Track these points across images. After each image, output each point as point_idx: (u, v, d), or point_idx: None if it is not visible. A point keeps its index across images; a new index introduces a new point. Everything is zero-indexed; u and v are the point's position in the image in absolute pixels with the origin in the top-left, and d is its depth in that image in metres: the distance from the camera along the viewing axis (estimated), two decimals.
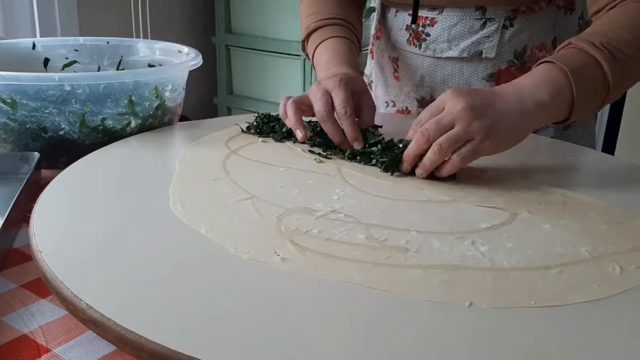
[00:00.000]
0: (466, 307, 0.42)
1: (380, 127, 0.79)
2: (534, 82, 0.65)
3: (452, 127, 0.62)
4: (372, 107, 0.78)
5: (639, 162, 0.75)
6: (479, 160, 0.65)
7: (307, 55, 0.96)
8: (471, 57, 0.88)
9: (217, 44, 2.20)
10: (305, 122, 0.81)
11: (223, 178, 0.65)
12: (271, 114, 0.85)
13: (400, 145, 0.68)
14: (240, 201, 0.58)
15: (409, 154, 0.65)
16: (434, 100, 0.92)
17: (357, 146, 0.71)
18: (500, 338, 0.39)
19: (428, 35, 0.90)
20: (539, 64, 0.67)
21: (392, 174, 0.67)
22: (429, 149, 0.63)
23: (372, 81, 1.08)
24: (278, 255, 0.48)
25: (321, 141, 0.77)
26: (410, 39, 0.93)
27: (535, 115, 0.64)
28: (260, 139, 0.79)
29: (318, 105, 0.73)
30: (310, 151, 0.75)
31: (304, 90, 2.03)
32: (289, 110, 0.75)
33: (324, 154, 0.75)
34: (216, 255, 0.48)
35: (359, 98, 0.76)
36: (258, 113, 0.84)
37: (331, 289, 0.44)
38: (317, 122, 0.80)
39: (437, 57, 0.91)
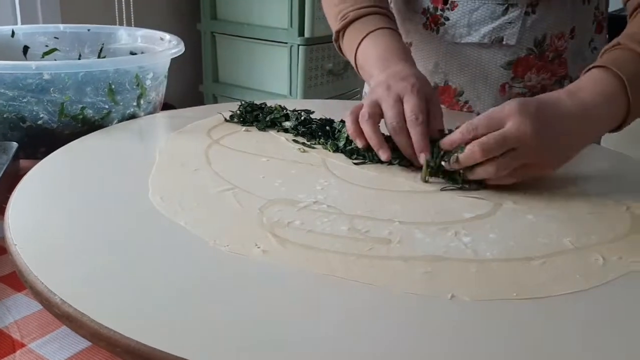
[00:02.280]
0: (448, 299, 0.42)
1: (447, 132, 0.66)
2: (595, 98, 0.61)
3: (514, 149, 0.58)
4: (441, 115, 0.68)
5: (625, 151, 0.75)
6: None
7: (341, 49, 0.86)
8: (492, 43, 0.85)
9: (202, 30, 2.17)
10: (289, 111, 0.80)
11: (204, 168, 0.64)
12: (255, 102, 0.83)
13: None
14: (221, 192, 0.58)
15: (462, 164, 0.60)
16: (450, 87, 0.91)
17: (422, 160, 0.63)
18: (482, 330, 0.39)
19: (447, 19, 0.87)
20: (590, 69, 0.64)
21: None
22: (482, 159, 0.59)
23: None
24: (259, 247, 0.47)
25: (305, 130, 0.76)
26: (428, 23, 0.89)
27: (597, 133, 0.63)
28: (244, 128, 0.78)
29: (390, 115, 0.65)
30: (295, 141, 0.74)
31: (290, 78, 2.01)
32: (367, 127, 0.66)
33: (308, 143, 0.74)
34: (195, 248, 0.47)
35: (427, 104, 0.67)
36: (241, 102, 0.82)
37: (313, 281, 0.44)
38: (301, 111, 0.80)
39: (455, 43, 0.88)
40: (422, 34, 0.91)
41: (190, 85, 2.34)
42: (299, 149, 0.72)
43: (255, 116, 0.80)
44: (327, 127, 0.75)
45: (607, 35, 0.91)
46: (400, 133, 0.64)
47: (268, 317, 0.39)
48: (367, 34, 0.79)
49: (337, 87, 2.17)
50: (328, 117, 0.78)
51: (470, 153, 0.59)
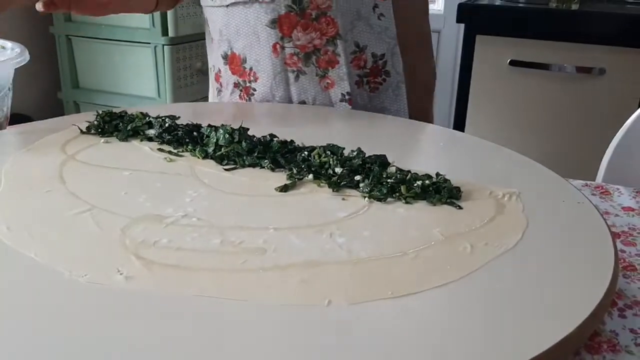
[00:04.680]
0: (325, 306, 0.41)
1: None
2: None
3: None
4: None
5: (487, 137, 0.79)
6: None
7: None
8: (250, 1, 0.86)
9: (56, 34, 2.02)
10: (152, 118, 0.75)
11: (57, 189, 0.58)
12: (114, 111, 0.78)
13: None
14: (77, 214, 0.52)
15: None
16: (235, 54, 0.93)
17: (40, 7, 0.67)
18: (359, 335, 0.38)
19: None
20: None
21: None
22: None
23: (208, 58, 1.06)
24: (121, 273, 0.43)
25: (171, 138, 0.72)
26: None
27: None
28: (103, 140, 0.73)
29: None
30: (160, 149, 0.70)
31: (157, 79, 1.93)
32: None
33: (175, 151, 0.70)
34: (48, 283, 0.43)
35: None
36: (97, 112, 0.76)
37: (183, 305, 0.41)
38: (165, 117, 0.75)
39: (226, 6, 0.90)
40: (207, 4, 0.94)
41: (48, 93, 2.16)
42: (165, 158, 0.68)
43: (115, 126, 0.75)
44: (195, 133, 0.72)
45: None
46: None
47: (133, 351, 0.36)
48: None
49: (209, 86, 2.11)
50: (195, 122, 0.75)
51: None
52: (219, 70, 0.98)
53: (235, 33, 0.91)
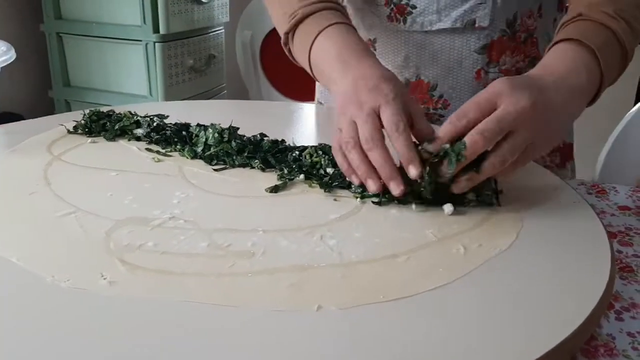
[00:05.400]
0: (315, 312, 0.39)
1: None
2: (573, 68, 0.59)
3: (513, 132, 0.53)
4: (422, 114, 0.59)
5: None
6: None
7: (291, 52, 0.74)
8: (464, 27, 0.80)
9: (46, 32, 1.99)
10: (140, 117, 0.74)
11: (42, 191, 0.57)
12: (101, 110, 0.76)
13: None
14: (61, 217, 0.51)
15: (468, 158, 0.53)
16: (422, 82, 0.84)
17: (413, 172, 0.53)
18: (350, 340, 0.37)
19: (414, 7, 0.80)
20: (556, 43, 0.62)
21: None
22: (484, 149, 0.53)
23: None
24: (105, 278, 0.42)
25: (159, 137, 0.70)
26: (392, 14, 0.82)
27: (580, 104, 0.60)
28: (90, 140, 0.71)
29: (365, 130, 0.55)
30: (148, 149, 0.69)
31: (148, 77, 1.91)
32: (355, 156, 0.56)
33: (163, 151, 0.68)
34: (30, 288, 0.41)
35: (405, 107, 0.57)
36: (84, 111, 0.75)
37: (168, 311, 0.39)
38: (153, 116, 0.74)
39: (425, 32, 0.81)
40: (388, 27, 0.84)
41: (39, 92, 2.14)
42: (153, 158, 0.66)
43: (103, 125, 0.73)
44: (184, 132, 0.70)
45: None
46: (375, 148, 0.54)
47: (119, 359, 0.34)
48: (321, 31, 0.68)
49: (201, 84, 2.09)
50: (184, 122, 0.73)
51: (472, 143, 0.52)
52: None
53: (430, 60, 0.83)
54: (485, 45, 0.81)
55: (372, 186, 0.55)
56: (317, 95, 0.98)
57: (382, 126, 0.56)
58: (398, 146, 0.54)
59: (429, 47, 0.82)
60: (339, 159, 0.58)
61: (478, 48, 0.81)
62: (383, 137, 0.55)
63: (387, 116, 0.55)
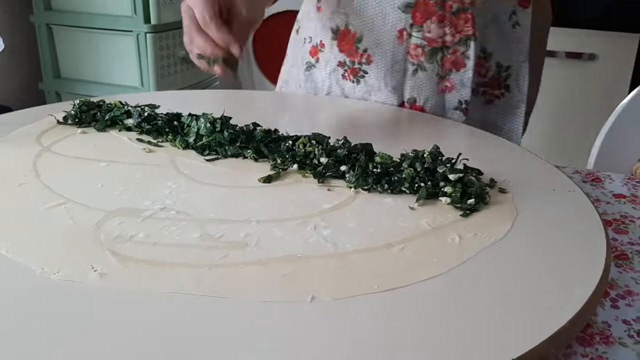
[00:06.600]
0: (308, 303, 0.39)
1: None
2: None
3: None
4: (247, 21, 0.65)
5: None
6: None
7: None
8: None
9: (36, 23, 1.97)
10: (131, 107, 0.73)
11: (31, 182, 0.56)
12: (91, 99, 0.75)
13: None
14: (51, 208, 0.50)
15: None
16: (349, 31, 0.84)
17: (235, 50, 0.61)
18: (344, 331, 0.36)
19: None
20: None
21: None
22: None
23: (300, 26, 0.95)
24: (95, 270, 0.41)
25: (150, 128, 0.69)
26: None
27: None
28: (80, 130, 0.70)
29: (185, 22, 0.64)
30: (139, 140, 0.68)
31: (140, 68, 1.89)
32: (212, 27, 0.62)
33: (155, 141, 0.68)
34: (18, 280, 0.41)
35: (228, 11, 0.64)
36: (74, 101, 0.74)
37: (160, 303, 0.39)
38: (144, 106, 0.73)
39: None
40: None
41: (29, 84, 2.12)
42: (144, 148, 0.65)
43: (93, 115, 0.72)
44: (175, 122, 0.69)
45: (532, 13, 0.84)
46: (196, 34, 0.62)
47: (107, 351, 0.34)
48: None
49: (193, 75, 2.08)
50: (175, 112, 0.72)
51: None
52: (319, 44, 0.88)
53: (359, 8, 0.81)
54: (410, 4, 0.79)
55: (208, 49, 0.62)
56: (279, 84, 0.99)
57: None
58: (212, 34, 0.62)
59: None
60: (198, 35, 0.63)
61: (402, 5, 0.79)
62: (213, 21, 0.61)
63: (197, 12, 0.62)
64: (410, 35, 0.80)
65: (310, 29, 0.90)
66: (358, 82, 0.85)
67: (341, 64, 0.86)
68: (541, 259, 0.45)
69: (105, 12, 1.87)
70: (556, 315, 0.38)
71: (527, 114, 0.89)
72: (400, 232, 0.48)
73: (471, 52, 0.80)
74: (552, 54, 1.61)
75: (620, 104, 0.97)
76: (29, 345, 0.34)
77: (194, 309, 0.38)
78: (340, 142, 0.62)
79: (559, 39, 1.60)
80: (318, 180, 0.58)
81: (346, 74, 0.86)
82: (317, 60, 0.88)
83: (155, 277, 0.41)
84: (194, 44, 0.63)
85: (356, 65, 0.84)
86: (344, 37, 0.84)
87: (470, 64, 0.80)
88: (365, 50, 0.83)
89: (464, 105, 0.82)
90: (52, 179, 0.56)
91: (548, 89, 1.65)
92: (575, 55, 1.58)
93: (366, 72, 0.84)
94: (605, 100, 1.43)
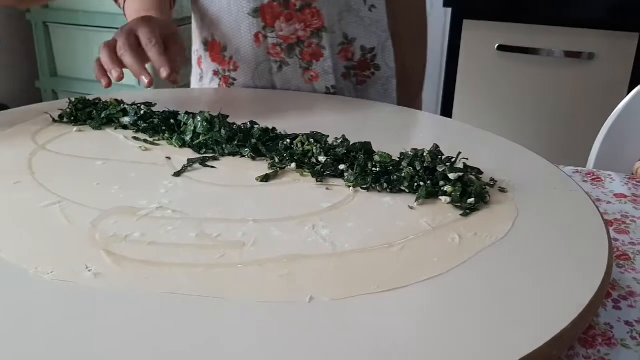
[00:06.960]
0: (307, 303, 0.38)
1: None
2: None
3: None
4: (183, 48, 0.75)
5: (475, 123, 0.76)
6: None
7: (118, 4, 0.91)
8: None
9: (32, 21, 1.96)
10: (127, 105, 0.72)
11: (26, 180, 0.55)
12: (87, 98, 0.75)
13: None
14: (45, 207, 0.50)
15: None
16: (216, 42, 0.90)
17: (164, 73, 0.69)
18: (343, 332, 0.36)
19: None
20: None
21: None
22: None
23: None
24: (89, 270, 0.41)
25: (147, 126, 0.69)
26: None
27: None
28: (75, 129, 0.69)
29: (120, 41, 0.70)
30: (135, 138, 0.67)
31: None
32: (104, 54, 0.70)
33: (151, 140, 0.67)
34: (12, 280, 0.40)
35: (167, 39, 0.73)
36: (69, 99, 0.73)
37: (155, 303, 0.38)
38: (140, 104, 0.72)
39: None
40: None
41: (26, 82, 2.11)
42: (140, 147, 0.65)
43: (89, 113, 0.72)
44: (172, 120, 0.69)
45: None
46: (125, 52, 0.69)
47: (103, 353, 0.33)
48: None
49: (189, 74, 2.07)
50: (172, 110, 0.72)
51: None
52: (200, 57, 0.96)
53: (216, 20, 0.87)
54: (257, 9, 0.83)
55: (114, 74, 0.69)
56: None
57: (139, 43, 0.71)
58: (151, 55, 0.70)
59: (212, 7, 0.88)
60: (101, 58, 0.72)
61: (250, 11, 0.84)
62: (135, 48, 0.70)
63: (143, 33, 0.71)
64: (265, 37, 0.85)
65: (196, 44, 0.98)
66: (230, 88, 0.92)
67: (216, 73, 0.93)
68: (542, 259, 0.45)
69: (102, 10, 1.86)
70: (558, 316, 0.37)
71: (421, 83, 0.98)
72: (400, 232, 0.48)
73: (325, 43, 0.84)
74: (550, 53, 1.61)
75: (620, 103, 0.97)
76: (21, 346, 0.34)
77: (191, 310, 0.37)
78: (339, 141, 0.62)
79: (558, 38, 1.60)
80: (316, 180, 0.57)
81: (221, 83, 0.93)
82: (202, 71, 0.96)
83: (151, 277, 0.40)
84: (124, 60, 0.70)
85: (227, 73, 0.91)
86: (212, 48, 0.91)
87: (327, 53, 0.85)
88: (231, 58, 0.89)
89: (332, 90, 0.88)
90: (47, 178, 0.55)
91: (547, 88, 1.65)
92: (574, 55, 1.57)
93: (235, 79, 0.90)
94: (604, 99, 1.42)
